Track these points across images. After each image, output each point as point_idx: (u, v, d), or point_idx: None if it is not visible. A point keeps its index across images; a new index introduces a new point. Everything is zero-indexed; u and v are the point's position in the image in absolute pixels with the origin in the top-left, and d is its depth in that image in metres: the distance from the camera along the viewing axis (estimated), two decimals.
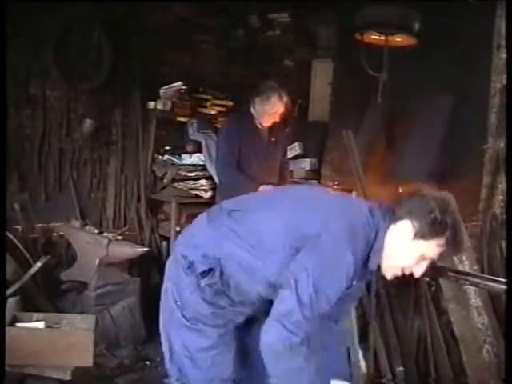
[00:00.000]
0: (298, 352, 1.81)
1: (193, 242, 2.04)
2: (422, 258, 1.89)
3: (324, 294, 1.82)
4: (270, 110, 4.01)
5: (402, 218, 1.88)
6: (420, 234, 1.85)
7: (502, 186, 3.17)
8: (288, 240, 1.89)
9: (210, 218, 2.09)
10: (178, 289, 2.01)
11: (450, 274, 2.72)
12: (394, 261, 1.92)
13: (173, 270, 2.07)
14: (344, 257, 1.83)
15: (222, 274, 1.96)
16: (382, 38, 3.69)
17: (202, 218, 2.13)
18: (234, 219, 2.01)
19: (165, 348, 2.08)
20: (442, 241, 1.85)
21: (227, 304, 2.00)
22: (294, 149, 4.91)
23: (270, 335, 1.82)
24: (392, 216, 1.91)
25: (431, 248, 1.86)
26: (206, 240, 2.01)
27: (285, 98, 4.03)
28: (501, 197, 3.18)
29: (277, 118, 4.08)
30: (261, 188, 3.83)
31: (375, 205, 2.00)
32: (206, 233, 2.03)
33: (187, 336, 2.00)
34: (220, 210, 2.10)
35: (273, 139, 4.18)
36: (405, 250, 1.89)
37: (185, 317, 1.99)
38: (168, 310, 2.06)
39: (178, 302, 2.00)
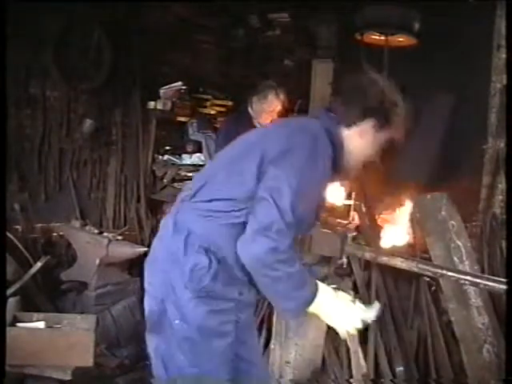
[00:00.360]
0: (285, 259, 1.84)
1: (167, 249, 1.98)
2: (382, 144, 2.11)
3: (303, 198, 1.88)
4: (267, 108, 4.01)
5: (362, 118, 2.02)
6: (380, 126, 2.03)
7: (501, 185, 3.17)
8: (261, 177, 1.91)
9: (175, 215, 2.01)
10: (176, 306, 1.92)
11: (450, 273, 2.73)
12: (360, 157, 2.09)
13: (162, 286, 1.95)
14: (316, 162, 1.92)
15: (218, 260, 1.91)
16: (382, 38, 3.70)
17: (167, 221, 2.05)
18: (201, 199, 1.96)
19: (158, 363, 2.00)
20: (398, 123, 2.06)
21: (236, 294, 1.96)
22: None
23: (255, 249, 1.83)
24: (348, 119, 2.03)
25: (390, 133, 2.07)
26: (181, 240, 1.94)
27: (282, 96, 4.02)
28: (501, 197, 3.18)
29: (275, 117, 4.07)
30: None
31: (322, 113, 2.11)
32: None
33: (193, 351, 1.93)
34: (182, 203, 2.04)
35: None
36: (370, 145, 2.07)
37: (189, 333, 1.92)
38: (162, 329, 1.96)
39: (177, 321, 1.92)
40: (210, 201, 1.95)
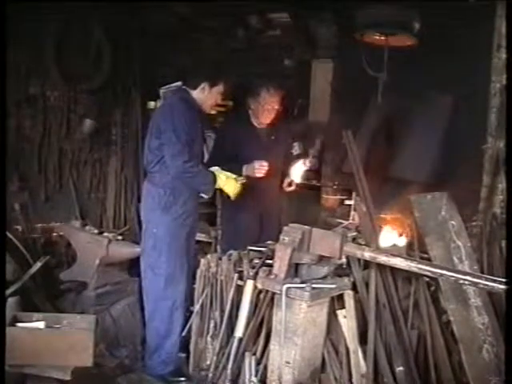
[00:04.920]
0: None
1: None
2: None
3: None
4: (262, 106, 4.01)
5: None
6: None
7: (501, 185, 3.17)
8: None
9: None
10: None
11: (450, 274, 2.73)
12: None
13: None
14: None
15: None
16: (382, 38, 3.70)
17: None
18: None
19: None
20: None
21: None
22: (295, 149, 4.91)
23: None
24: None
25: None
26: None
27: (275, 92, 4.02)
28: (501, 197, 3.17)
29: (272, 113, 4.06)
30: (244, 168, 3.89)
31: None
32: None
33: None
34: None
35: (273, 137, 4.16)
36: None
37: None
38: None
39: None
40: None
